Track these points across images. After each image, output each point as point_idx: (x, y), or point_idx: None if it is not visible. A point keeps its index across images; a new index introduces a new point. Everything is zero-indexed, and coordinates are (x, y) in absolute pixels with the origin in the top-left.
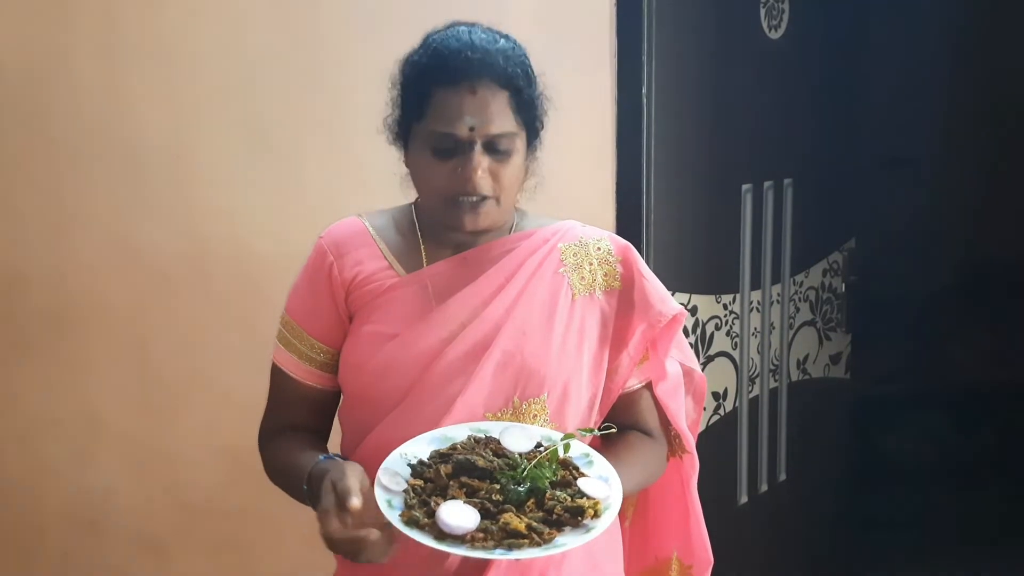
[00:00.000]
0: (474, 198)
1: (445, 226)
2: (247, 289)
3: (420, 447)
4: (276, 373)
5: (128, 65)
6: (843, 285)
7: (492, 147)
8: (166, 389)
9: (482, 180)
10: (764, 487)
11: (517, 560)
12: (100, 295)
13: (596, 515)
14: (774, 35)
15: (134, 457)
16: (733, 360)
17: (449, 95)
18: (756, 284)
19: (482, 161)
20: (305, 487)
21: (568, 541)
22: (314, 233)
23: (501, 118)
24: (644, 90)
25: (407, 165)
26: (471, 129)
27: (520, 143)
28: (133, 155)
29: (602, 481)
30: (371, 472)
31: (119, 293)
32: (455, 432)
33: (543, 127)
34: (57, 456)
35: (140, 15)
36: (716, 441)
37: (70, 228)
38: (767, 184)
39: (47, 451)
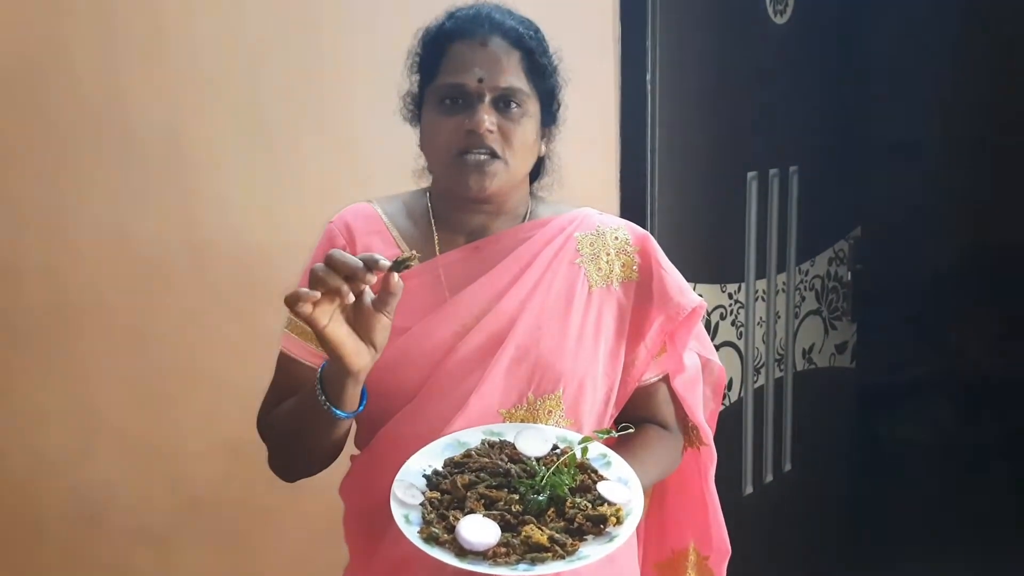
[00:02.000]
0: (480, 154)
1: (452, 195)
2: (245, 280)
3: (433, 455)
4: (284, 361)
5: (125, 55)
6: (849, 274)
7: (501, 103)
8: (164, 382)
9: (489, 134)
10: (769, 477)
11: None
12: (97, 287)
13: (619, 522)
14: (779, 20)
15: (133, 451)
16: (738, 350)
17: (461, 48)
18: (761, 273)
19: (490, 114)
20: (320, 392)
21: (592, 552)
22: (314, 224)
23: (511, 74)
24: (648, 76)
25: (420, 138)
26: (480, 81)
27: (532, 107)
28: (130, 145)
29: (622, 484)
30: (385, 467)
31: (116, 285)
32: (468, 437)
33: (559, 107)
34: (56, 450)
35: (137, 5)
36: (721, 431)
37: (66, 220)
38: (772, 172)
39: (46, 445)
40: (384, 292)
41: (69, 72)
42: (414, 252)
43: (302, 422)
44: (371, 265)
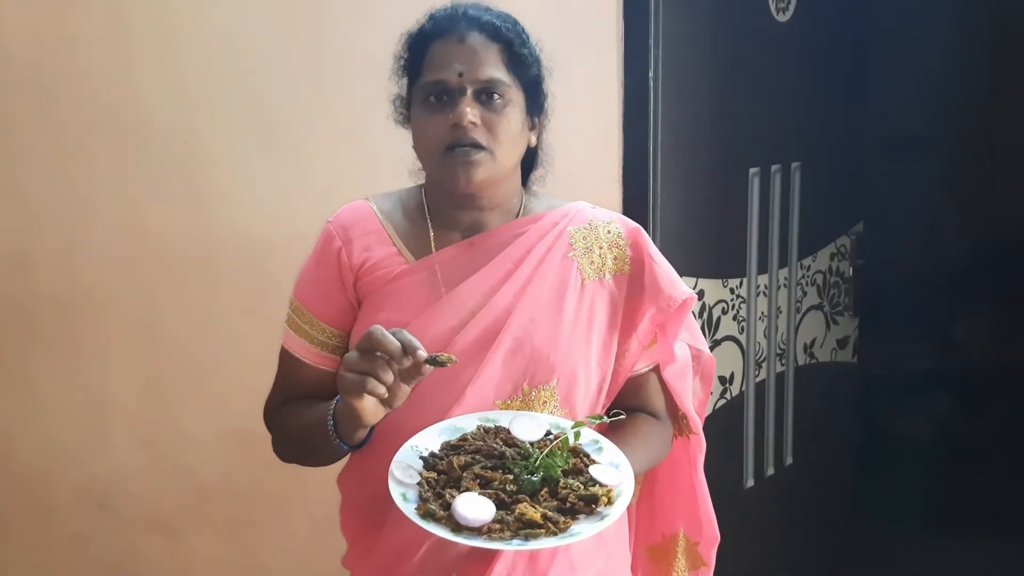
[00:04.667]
0: (466, 147)
1: (443, 190)
2: (255, 274)
3: (430, 439)
4: (285, 357)
5: (136, 51)
6: (850, 269)
7: (484, 95)
8: (175, 373)
9: (473, 126)
10: (771, 471)
11: None
12: (109, 280)
13: (610, 502)
14: (782, 18)
15: (144, 440)
16: (740, 344)
17: (440, 46)
18: (763, 268)
19: (473, 107)
20: (330, 420)
21: (583, 529)
22: (321, 218)
23: (490, 65)
24: (651, 73)
25: (413, 138)
26: (460, 75)
27: (515, 96)
28: (141, 141)
29: (613, 467)
30: (384, 459)
31: (128, 278)
32: (464, 422)
33: (546, 98)
34: (68, 440)
35: (148, 3)
36: (723, 425)
37: (79, 214)
38: (774, 167)
39: (58, 435)
40: (413, 369)
41: (81, 68)
42: (454, 357)
43: (309, 440)
44: (409, 350)
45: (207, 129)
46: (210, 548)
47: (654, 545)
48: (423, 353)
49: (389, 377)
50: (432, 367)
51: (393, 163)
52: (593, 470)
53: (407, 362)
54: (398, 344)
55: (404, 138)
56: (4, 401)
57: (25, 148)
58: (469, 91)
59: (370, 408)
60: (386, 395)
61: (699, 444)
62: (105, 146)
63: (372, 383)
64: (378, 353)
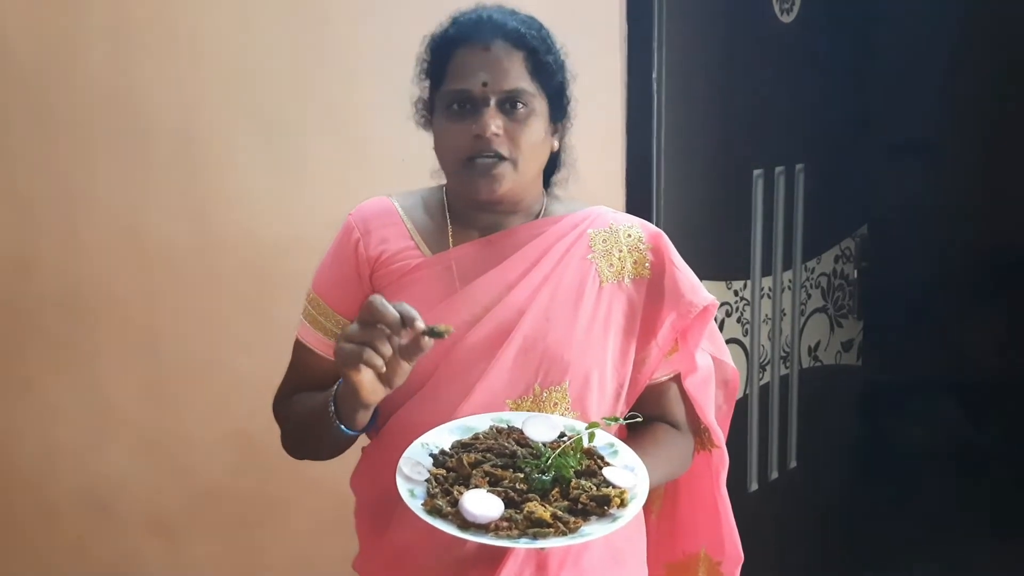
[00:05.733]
0: (488, 158)
1: (464, 197)
2: (255, 274)
3: (441, 437)
4: (300, 349)
5: (136, 50)
6: (855, 271)
7: (507, 105)
8: (176, 374)
9: (496, 137)
10: (774, 474)
11: (539, 549)
12: (110, 281)
13: (622, 504)
14: (786, 19)
15: (145, 442)
16: (744, 347)
17: (464, 54)
18: (767, 270)
19: (496, 118)
20: (332, 403)
21: (593, 530)
22: (321, 219)
23: (515, 75)
24: (654, 75)
25: (434, 142)
26: (484, 85)
27: (539, 106)
28: (141, 141)
29: (628, 471)
30: (394, 455)
31: (128, 279)
32: (476, 422)
33: (569, 103)
34: (69, 441)
35: (150, 4)
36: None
37: (79, 215)
38: (778, 169)
39: (59, 437)
40: (413, 345)
41: (82, 69)
42: (451, 328)
43: (313, 427)
44: (407, 321)
45: (208, 130)
46: (210, 550)
47: (674, 563)
48: (421, 324)
49: (387, 349)
50: (431, 340)
51: (395, 163)
52: (607, 472)
53: (406, 335)
54: (396, 314)
55: (407, 139)
56: (4, 401)
57: (25, 148)
58: (493, 101)
59: (368, 383)
60: (383, 368)
61: (722, 458)
62: (106, 147)
63: (369, 354)
64: (378, 325)
